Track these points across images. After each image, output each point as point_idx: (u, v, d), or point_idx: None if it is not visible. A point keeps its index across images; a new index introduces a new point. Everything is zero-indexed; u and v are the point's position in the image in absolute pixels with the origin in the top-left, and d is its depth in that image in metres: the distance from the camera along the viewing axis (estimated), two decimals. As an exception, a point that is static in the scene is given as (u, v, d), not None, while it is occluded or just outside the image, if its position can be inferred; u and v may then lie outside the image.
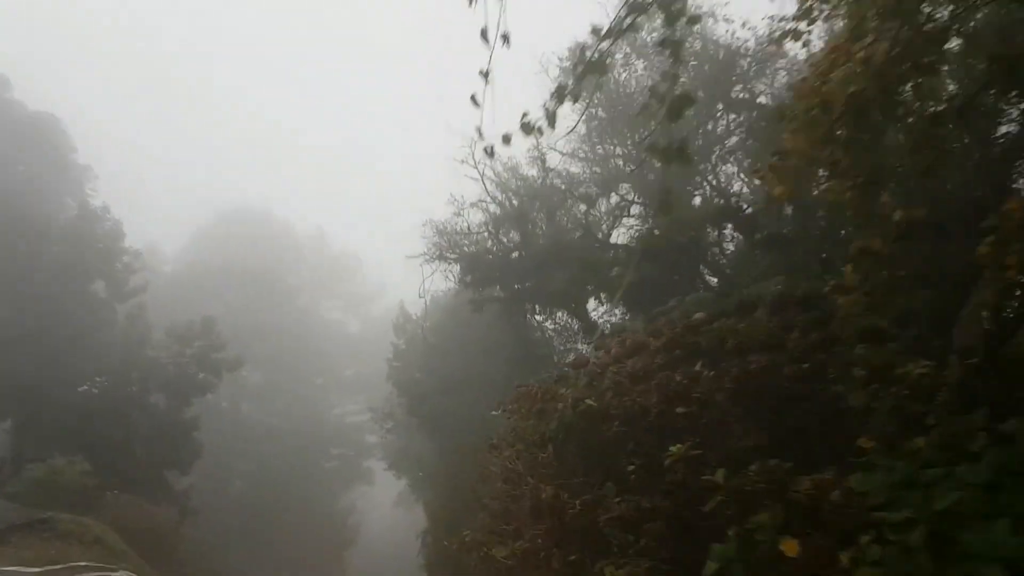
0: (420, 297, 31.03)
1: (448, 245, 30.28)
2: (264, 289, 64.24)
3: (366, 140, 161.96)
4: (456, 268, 30.43)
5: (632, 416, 10.81)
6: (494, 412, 14.76)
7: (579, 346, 29.64)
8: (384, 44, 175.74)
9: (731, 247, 24.13)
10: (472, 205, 29.95)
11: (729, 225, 23.56)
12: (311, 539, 59.85)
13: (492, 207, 30.09)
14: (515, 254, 29.73)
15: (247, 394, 67.90)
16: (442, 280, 31.69)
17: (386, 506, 75.33)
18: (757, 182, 18.99)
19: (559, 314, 31.40)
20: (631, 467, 10.06)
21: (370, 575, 76.13)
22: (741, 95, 23.91)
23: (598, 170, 28.69)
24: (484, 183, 29.62)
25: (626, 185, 27.65)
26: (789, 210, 18.52)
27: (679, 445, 9.28)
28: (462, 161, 28.37)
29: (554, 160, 28.93)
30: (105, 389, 42.75)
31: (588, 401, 11.18)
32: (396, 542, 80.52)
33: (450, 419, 33.57)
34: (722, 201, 23.87)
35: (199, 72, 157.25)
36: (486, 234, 30.21)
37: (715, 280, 23.24)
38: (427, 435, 38.63)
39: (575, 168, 29.37)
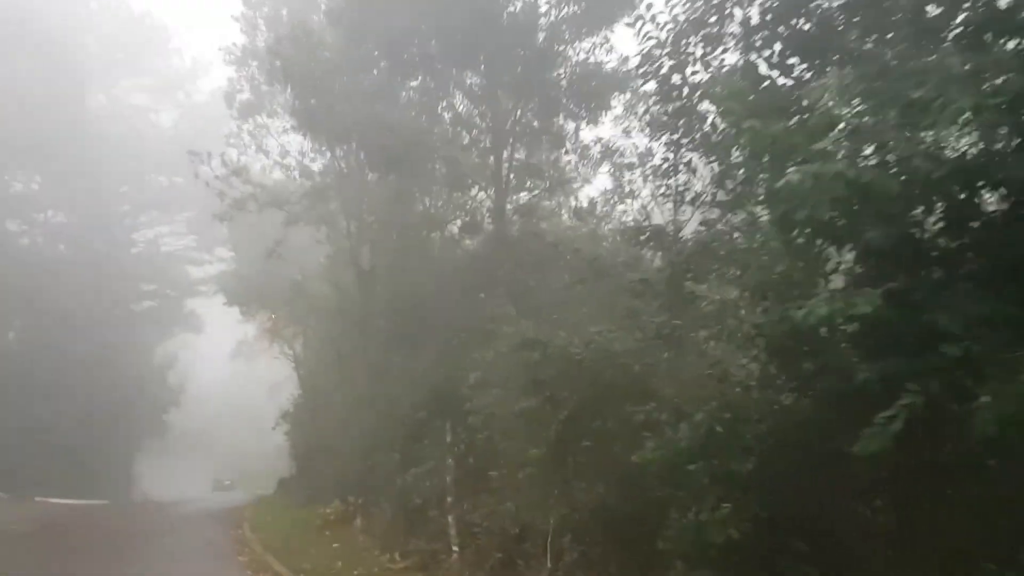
0: None
1: None
2: (32, 56, 43.29)
3: None
4: None
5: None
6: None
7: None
8: None
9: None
10: None
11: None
12: (117, 403, 43.99)
13: None
14: None
15: (12, 208, 48.10)
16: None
17: (219, 359, 60.52)
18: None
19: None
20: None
21: (200, 442, 62.31)
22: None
23: None
24: None
25: None
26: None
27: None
28: None
29: None
30: None
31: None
32: (237, 403, 66.19)
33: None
34: None
35: None
36: None
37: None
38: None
39: None
